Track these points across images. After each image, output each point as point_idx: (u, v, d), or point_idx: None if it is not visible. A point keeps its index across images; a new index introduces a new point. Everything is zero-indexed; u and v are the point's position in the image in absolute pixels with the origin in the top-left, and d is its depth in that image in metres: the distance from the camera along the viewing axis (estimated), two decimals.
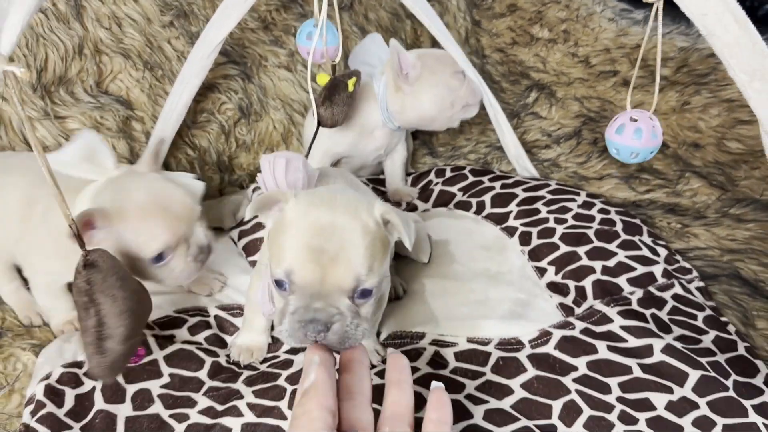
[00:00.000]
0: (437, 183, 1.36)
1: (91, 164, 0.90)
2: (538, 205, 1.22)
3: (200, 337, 0.98)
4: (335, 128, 1.18)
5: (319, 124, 1.14)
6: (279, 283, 0.70)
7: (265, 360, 0.96)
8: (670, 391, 0.85)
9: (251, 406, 0.85)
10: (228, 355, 0.96)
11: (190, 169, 1.32)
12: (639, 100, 1.42)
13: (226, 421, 0.83)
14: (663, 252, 1.13)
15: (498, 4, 1.70)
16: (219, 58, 1.32)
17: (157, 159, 0.94)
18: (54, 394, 0.83)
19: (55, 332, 0.98)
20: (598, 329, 0.96)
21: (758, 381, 0.89)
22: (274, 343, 0.99)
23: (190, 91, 1.18)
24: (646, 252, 1.11)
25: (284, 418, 0.83)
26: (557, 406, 0.84)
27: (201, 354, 0.92)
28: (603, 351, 0.92)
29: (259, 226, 1.17)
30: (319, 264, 0.67)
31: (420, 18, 1.20)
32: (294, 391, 0.86)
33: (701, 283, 1.10)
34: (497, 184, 1.30)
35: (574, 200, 1.23)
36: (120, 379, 0.87)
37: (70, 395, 0.84)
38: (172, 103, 1.18)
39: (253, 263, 1.12)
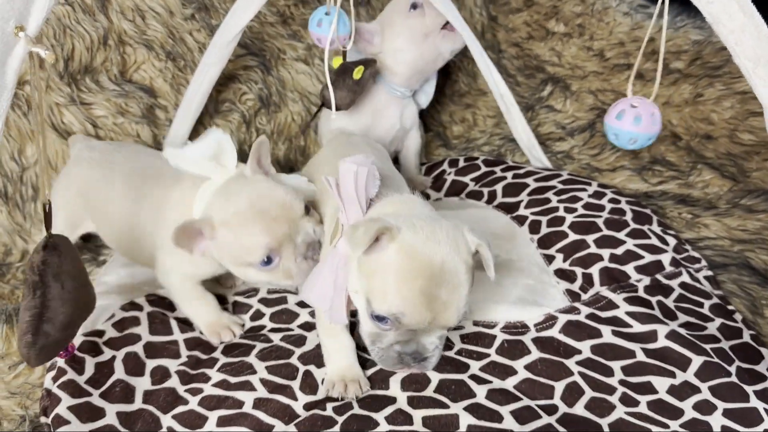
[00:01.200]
0: (450, 173, 1.38)
1: (215, 163, 0.92)
2: (549, 194, 1.24)
3: None
4: (347, 113, 1.20)
5: (324, 105, 1.17)
6: (380, 318, 0.73)
7: (278, 330, 0.98)
8: (672, 375, 0.87)
9: (264, 382, 0.88)
10: (244, 335, 0.98)
11: None
12: (650, 92, 1.42)
13: (239, 395, 0.86)
14: (672, 241, 1.14)
15: (515, 0, 1.72)
16: (238, 50, 1.36)
17: (261, 161, 0.93)
18: (75, 362, 0.87)
19: (210, 339, 0.96)
20: (604, 314, 0.97)
21: (762, 368, 0.90)
22: (287, 315, 1.01)
23: (210, 78, 1.21)
24: (654, 241, 1.12)
25: (295, 398, 0.85)
26: (560, 387, 0.85)
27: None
28: (607, 335, 0.93)
29: None
30: (430, 309, 0.72)
31: (437, 6, 1.22)
32: (306, 373, 0.89)
33: (709, 272, 1.10)
34: (509, 174, 1.32)
35: (585, 190, 1.24)
36: (141, 353, 0.91)
37: (90, 363, 0.88)
38: (193, 89, 1.23)
39: None
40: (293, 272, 0.87)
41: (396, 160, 1.44)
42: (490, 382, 0.86)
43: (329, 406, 0.84)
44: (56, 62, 1.14)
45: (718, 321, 0.98)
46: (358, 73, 1.16)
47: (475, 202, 1.29)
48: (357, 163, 0.77)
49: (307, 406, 0.85)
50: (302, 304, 1.03)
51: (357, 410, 0.83)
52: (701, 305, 1.01)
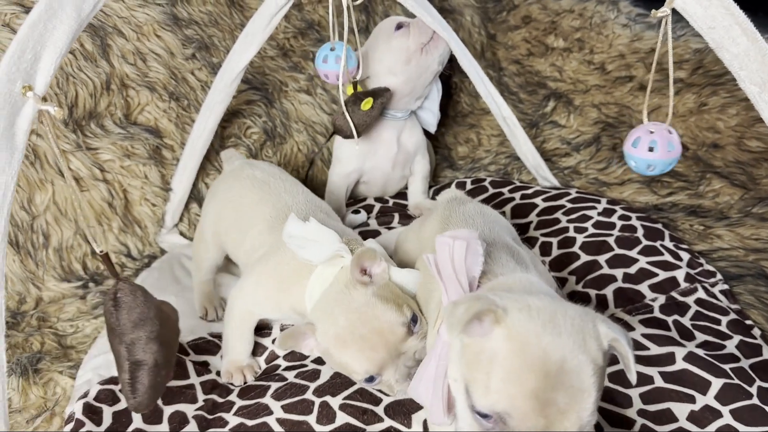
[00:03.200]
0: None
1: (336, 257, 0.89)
2: (558, 214, 1.23)
3: None
4: (345, 141, 1.20)
5: (336, 132, 1.17)
6: (482, 415, 0.61)
7: (292, 368, 0.98)
8: (692, 400, 0.85)
9: (281, 422, 0.87)
10: (259, 378, 0.98)
11: None
12: (656, 104, 1.42)
13: None
14: (685, 256, 1.13)
15: (512, 17, 1.72)
16: (241, 86, 1.37)
17: (367, 270, 0.87)
18: (92, 413, 0.87)
19: (222, 373, 0.98)
20: None
21: None
22: (301, 353, 0.99)
23: (215, 117, 1.22)
24: (668, 257, 1.11)
25: (313, 431, 0.85)
26: None
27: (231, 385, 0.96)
28: None
29: None
30: (544, 416, 0.58)
31: (435, 29, 1.21)
32: (322, 404, 0.89)
33: (725, 286, 1.09)
34: (517, 195, 1.32)
35: (594, 208, 1.24)
36: (159, 399, 0.91)
37: (107, 413, 0.88)
38: (198, 129, 1.23)
39: None
40: (394, 389, 0.85)
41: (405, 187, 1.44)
42: None
43: None
44: (62, 111, 1.15)
45: (737, 338, 0.97)
46: (366, 105, 1.17)
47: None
48: (453, 236, 0.70)
49: None
50: None
51: None
52: (719, 322, 1.00)
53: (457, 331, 0.61)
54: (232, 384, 0.96)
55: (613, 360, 0.91)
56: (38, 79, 0.68)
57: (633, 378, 0.64)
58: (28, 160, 1.13)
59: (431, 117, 1.37)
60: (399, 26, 1.24)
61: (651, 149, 0.83)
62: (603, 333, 0.62)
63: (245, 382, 0.97)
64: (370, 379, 0.84)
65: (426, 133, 1.41)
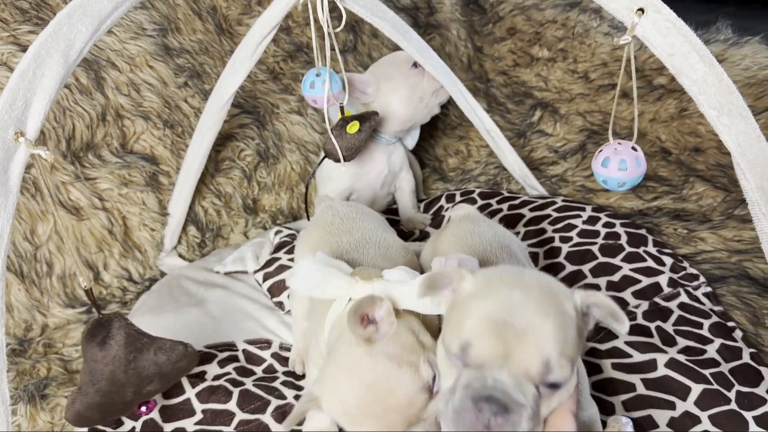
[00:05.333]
0: (448, 208, 1.41)
1: (326, 287, 0.82)
2: (544, 224, 1.26)
3: (229, 368, 1.04)
4: (337, 168, 1.24)
5: (326, 156, 1.21)
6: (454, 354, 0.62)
7: (291, 385, 1.02)
8: (672, 407, 0.88)
9: None
10: (257, 383, 1.01)
11: (217, 218, 1.41)
12: (639, 110, 1.45)
13: None
14: (668, 261, 1.16)
15: (498, 29, 1.76)
16: (233, 110, 1.41)
17: (371, 322, 0.74)
18: None
19: (290, 360, 1.08)
20: (603, 347, 0.99)
21: (761, 390, 0.91)
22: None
23: (208, 141, 1.26)
24: (651, 263, 1.14)
25: None
26: None
27: (229, 386, 0.99)
28: (608, 369, 0.95)
29: (283, 268, 1.24)
30: (502, 339, 0.58)
31: (414, 57, 1.26)
32: None
33: (708, 288, 1.12)
34: (505, 206, 1.35)
35: (579, 216, 1.27)
36: (158, 418, 0.94)
37: None
38: (192, 154, 1.27)
39: (278, 303, 1.20)
40: None
41: (393, 202, 1.48)
42: None
43: None
44: (58, 143, 1.20)
45: (718, 342, 1.00)
46: (352, 128, 1.20)
47: None
48: (448, 257, 0.73)
49: None
50: None
51: None
52: (701, 326, 1.03)
53: (421, 293, 0.65)
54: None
55: (596, 369, 0.95)
56: (29, 124, 0.71)
57: (624, 326, 0.61)
58: (29, 192, 1.17)
59: (411, 140, 1.45)
60: (415, 64, 1.30)
61: (621, 167, 0.86)
62: (578, 294, 0.63)
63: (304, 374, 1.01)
64: None
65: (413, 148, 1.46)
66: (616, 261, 1.14)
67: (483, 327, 0.59)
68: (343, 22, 1.05)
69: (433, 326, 0.79)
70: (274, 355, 1.09)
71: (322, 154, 1.29)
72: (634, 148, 0.84)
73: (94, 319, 0.82)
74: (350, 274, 0.82)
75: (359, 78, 1.28)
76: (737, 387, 0.91)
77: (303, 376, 1.04)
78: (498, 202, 1.37)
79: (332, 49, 1.05)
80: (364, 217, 1.04)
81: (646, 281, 1.10)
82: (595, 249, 1.17)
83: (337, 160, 1.20)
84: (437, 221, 1.40)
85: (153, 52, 1.32)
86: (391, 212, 1.47)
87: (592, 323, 0.65)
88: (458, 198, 1.43)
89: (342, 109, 1.23)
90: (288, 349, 1.11)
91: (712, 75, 0.76)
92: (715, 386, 0.90)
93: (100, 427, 0.93)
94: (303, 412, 0.77)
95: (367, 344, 0.71)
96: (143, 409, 0.89)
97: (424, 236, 1.37)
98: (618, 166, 0.87)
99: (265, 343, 1.11)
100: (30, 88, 0.71)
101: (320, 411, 0.75)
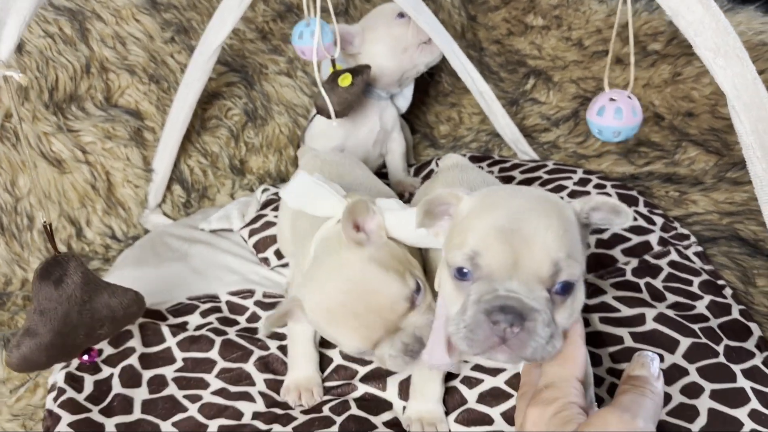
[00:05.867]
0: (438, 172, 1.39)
1: (317, 202, 0.82)
2: (535, 186, 1.25)
3: (211, 317, 1.03)
4: (328, 124, 1.22)
5: (319, 113, 1.18)
6: (460, 272, 0.60)
7: (278, 336, 1.00)
8: (660, 359, 0.86)
9: (262, 394, 0.90)
10: (240, 333, 0.99)
11: (203, 178, 1.39)
12: (629, 76, 1.44)
13: (239, 405, 0.88)
14: (659, 220, 1.15)
15: None
16: (220, 68, 1.39)
17: (360, 226, 0.76)
18: (74, 381, 0.89)
19: (286, 395, 0.90)
20: (591, 302, 0.98)
21: (749, 345, 0.91)
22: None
23: (194, 94, 1.23)
24: (641, 222, 1.13)
25: (292, 407, 0.88)
26: None
27: (211, 335, 0.97)
28: (595, 323, 0.94)
29: (269, 225, 1.22)
30: (510, 245, 0.57)
31: (409, 13, 1.24)
32: None
33: (699, 248, 1.11)
34: (495, 169, 1.33)
35: (570, 178, 1.25)
36: (137, 364, 0.92)
37: (89, 381, 0.90)
38: (177, 106, 1.25)
39: (263, 259, 1.18)
40: (387, 363, 0.74)
41: (383, 166, 1.46)
42: (482, 381, 0.87)
43: (326, 408, 0.87)
44: (41, 93, 1.17)
45: (707, 298, 0.99)
46: (343, 81, 1.18)
47: None
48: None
49: (305, 411, 0.87)
50: None
51: (355, 411, 0.86)
52: (690, 283, 1.02)
53: (419, 223, 0.65)
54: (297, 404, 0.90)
55: (584, 324, 0.93)
56: (2, 46, 0.69)
57: (628, 218, 0.62)
58: (9, 142, 1.15)
59: (403, 102, 1.42)
60: (401, 14, 1.28)
61: (616, 116, 0.84)
62: (577, 201, 0.63)
63: (301, 404, 0.89)
64: (362, 353, 0.75)
65: (404, 114, 1.44)
66: None
67: (489, 236, 0.58)
68: None
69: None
70: (257, 303, 1.07)
71: (313, 111, 1.27)
72: (629, 97, 0.83)
73: (50, 257, 0.79)
74: (344, 197, 0.81)
75: (345, 28, 1.26)
76: (726, 341, 0.90)
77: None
78: (489, 165, 1.35)
79: (323, 7, 1.03)
80: (353, 164, 1.03)
81: (636, 239, 1.09)
82: None
83: (329, 117, 1.18)
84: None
85: (140, 5, 1.30)
86: (380, 176, 1.45)
87: (588, 236, 0.66)
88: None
89: (333, 62, 1.21)
90: (272, 296, 1.09)
91: (709, 16, 0.75)
92: (704, 340, 0.89)
93: (77, 372, 0.91)
94: (284, 313, 0.76)
95: (356, 247, 0.73)
96: (85, 357, 0.86)
97: (412, 199, 1.36)
98: (613, 114, 0.85)
99: (248, 293, 1.09)
100: (4, 7, 0.69)
101: (301, 313, 0.76)
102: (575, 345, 0.62)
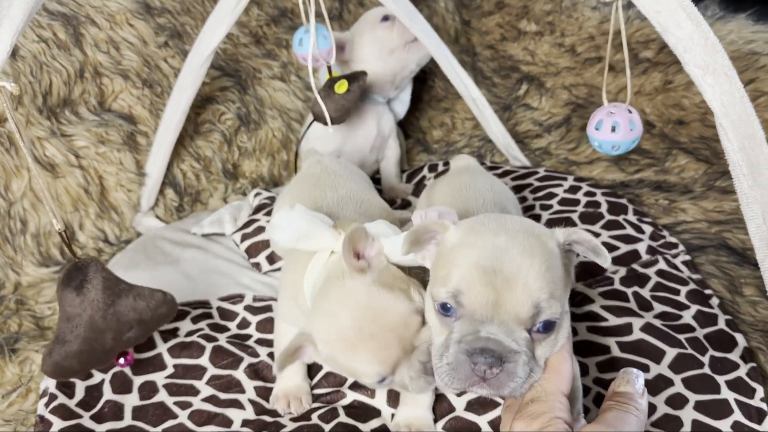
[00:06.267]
0: (430, 178, 1.40)
1: (310, 239, 0.81)
2: (525, 193, 1.26)
3: (202, 324, 1.03)
4: (325, 129, 1.22)
5: (316, 119, 1.19)
6: (444, 307, 0.62)
7: (264, 342, 1.00)
8: (646, 369, 0.88)
9: (252, 402, 0.91)
10: (230, 340, 1.00)
11: (196, 182, 1.39)
12: (624, 83, 1.44)
13: (229, 412, 0.89)
14: (648, 229, 1.16)
15: (486, 3, 1.75)
16: (214, 72, 1.39)
17: (361, 253, 0.76)
18: (65, 387, 0.90)
19: (275, 404, 0.90)
20: (579, 311, 0.99)
21: (734, 355, 0.91)
22: (272, 324, 1.01)
23: (186, 99, 1.24)
24: (630, 230, 1.14)
25: (280, 414, 0.89)
26: None
27: (201, 341, 0.98)
28: (583, 332, 0.95)
29: (262, 230, 1.23)
30: (492, 286, 0.59)
31: (402, 20, 1.25)
32: None
33: (687, 257, 1.12)
34: None
35: (560, 185, 1.26)
36: (128, 371, 0.93)
37: (80, 387, 0.91)
38: (170, 111, 1.26)
39: (255, 264, 1.18)
40: (409, 387, 0.74)
41: (377, 172, 1.47)
42: None
43: (314, 415, 0.87)
44: (34, 98, 1.17)
45: (694, 308, 1.00)
46: (340, 87, 1.18)
47: None
48: (428, 210, 0.73)
49: (294, 418, 0.88)
50: None
51: (343, 418, 0.87)
52: (678, 292, 1.03)
53: (405, 250, 0.65)
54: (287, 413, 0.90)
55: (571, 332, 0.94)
56: None
57: (606, 261, 0.63)
58: (2, 147, 1.15)
59: (401, 107, 1.43)
60: (385, 18, 1.29)
61: (614, 130, 0.84)
62: (559, 231, 0.64)
63: (290, 412, 0.89)
64: (381, 380, 0.74)
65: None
66: (596, 228, 1.14)
67: (472, 275, 0.60)
68: None
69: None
70: (247, 308, 1.08)
71: (310, 117, 1.28)
72: (629, 111, 0.83)
73: (71, 263, 0.80)
74: (332, 226, 0.82)
75: (336, 35, 1.26)
76: (711, 352, 0.91)
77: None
78: None
79: (319, 13, 1.04)
80: (351, 175, 1.04)
81: (624, 248, 1.10)
82: (574, 216, 1.17)
83: (326, 123, 1.18)
84: (419, 190, 1.39)
85: (134, 10, 1.30)
86: (373, 181, 1.45)
87: (575, 260, 0.67)
88: (441, 168, 1.42)
89: (330, 69, 1.21)
90: (262, 300, 1.09)
91: (698, 33, 0.75)
92: (689, 351, 0.90)
93: (70, 380, 0.92)
94: (294, 349, 0.76)
95: (359, 274, 0.73)
96: (121, 360, 0.87)
97: (405, 205, 1.37)
98: (611, 128, 0.86)
99: (238, 297, 1.10)
100: None
101: (309, 347, 0.76)
102: (563, 360, 0.64)
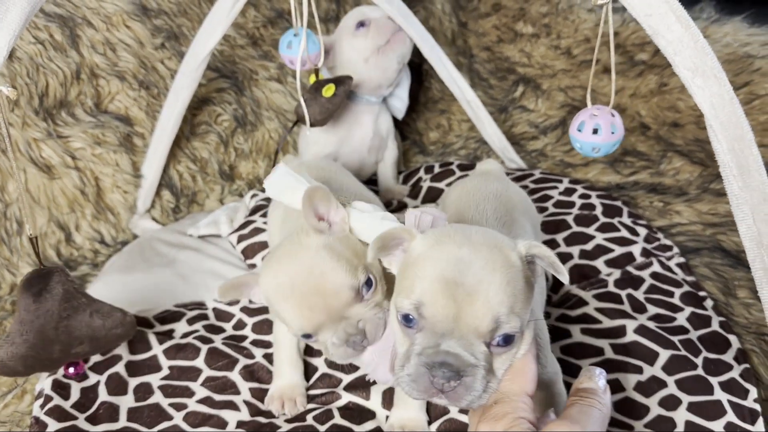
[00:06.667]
0: (426, 179, 1.40)
1: (289, 193, 0.85)
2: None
3: (198, 325, 1.03)
4: (321, 132, 1.22)
5: (299, 121, 1.19)
6: (406, 318, 0.63)
7: (260, 343, 1.01)
8: (639, 371, 0.88)
9: (247, 403, 0.91)
10: (226, 342, 1.00)
11: (192, 183, 1.40)
12: (619, 85, 1.45)
13: (224, 414, 0.89)
14: (643, 231, 1.16)
15: (483, 5, 1.75)
16: (210, 74, 1.39)
17: (322, 215, 0.80)
18: (61, 388, 0.90)
19: (270, 404, 0.91)
20: (573, 313, 0.99)
21: (728, 357, 0.92)
22: (268, 326, 1.02)
23: (183, 101, 1.24)
24: (624, 233, 1.14)
25: (274, 415, 0.89)
26: None
27: (197, 343, 0.98)
28: (577, 335, 0.96)
29: (258, 231, 1.23)
30: (453, 299, 0.60)
31: (397, 20, 1.25)
32: None
33: (681, 259, 1.12)
34: None
35: (555, 188, 1.27)
36: (123, 372, 0.93)
37: (75, 389, 0.91)
38: (166, 114, 1.26)
39: (251, 266, 1.19)
40: (330, 351, 0.78)
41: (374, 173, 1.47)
42: None
43: (309, 416, 0.88)
44: (31, 99, 1.18)
45: (688, 310, 1.00)
46: (327, 91, 1.18)
47: None
48: (423, 210, 0.73)
49: (288, 419, 0.89)
50: None
51: (338, 420, 0.87)
52: (672, 295, 1.03)
53: (372, 256, 0.66)
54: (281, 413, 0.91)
55: (565, 334, 0.94)
56: None
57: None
58: None
59: (400, 104, 1.41)
60: (360, 24, 1.27)
61: (595, 131, 0.85)
62: (520, 243, 0.65)
63: (284, 413, 0.90)
64: (306, 336, 0.78)
65: (394, 120, 1.44)
66: (590, 230, 1.14)
67: (434, 287, 0.61)
68: None
69: None
70: (244, 309, 1.08)
71: (294, 120, 1.28)
72: (612, 114, 0.84)
73: (34, 270, 0.80)
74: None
75: (324, 40, 1.26)
76: (704, 353, 0.92)
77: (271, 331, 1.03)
78: None
79: (311, 15, 1.04)
80: (340, 172, 1.05)
81: (619, 250, 1.11)
82: (569, 219, 1.17)
83: (312, 124, 1.18)
84: (414, 192, 1.40)
85: (130, 11, 1.30)
86: (370, 182, 1.46)
87: (540, 270, 0.67)
88: (437, 169, 1.42)
89: (317, 72, 1.21)
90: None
91: (688, 36, 0.76)
92: (683, 352, 0.91)
93: (64, 380, 0.92)
94: (240, 284, 0.81)
95: (315, 234, 0.77)
96: (71, 370, 0.87)
97: (401, 207, 1.37)
98: (592, 130, 0.86)
99: (235, 300, 1.10)
100: None
101: (256, 287, 0.81)
102: (526, 360, 0.64)
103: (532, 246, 0.65)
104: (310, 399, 0.92)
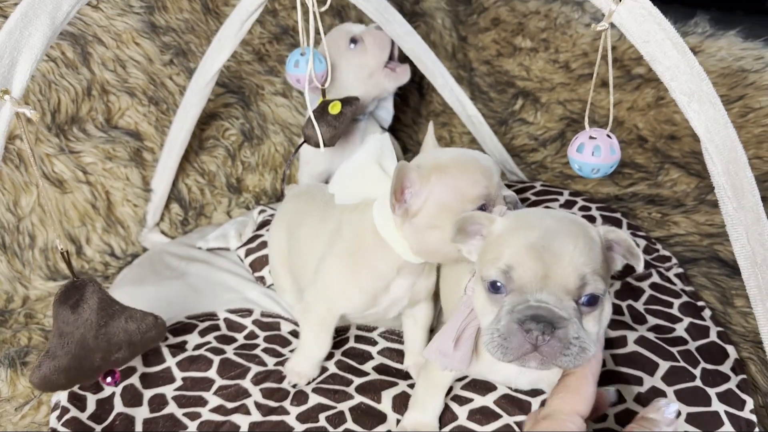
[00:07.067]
0: None
1: (379, 169, 0.87)
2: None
3: (209, 337, 1.06)
4: (313, 150, 1.23)
5: (306, 142, 1.21)
6: (494, 286, 0.66)
7: (272, 351, 1.04)
8: (640, 382, 0.91)
9: (258, 405, 0.93)
10: (238, 351, 1.03)
11: (200, 196, 1.42)
12: (617, 99, 1.49)
13: (235, 418, 0.91)
14: (642, 242, 1.19)
15: (482, 19, 1.78)
16: (218, 89, 1.42)
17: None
18: (77, 400, 0.92)
19: (288, 369, 0.98)
20: None
21: (725, 368, 0.94)
22: (280, 340, 1.05)
23: (191, 118, 1.27)
24: None
25: (287, 413, 0.91)
26: (535, 403, 0.89)
27: (209, 354, 1.00)
28: None
29: (265, 245, 1.25)
30: (541, 260, 0.63)
31: (396, 40, 1.27)
32: (297, 392, 0.95)
33: (680, 270, 1.15)
34: None
35: (556, 200, 1.29)
36: (138, 384, 0.96)
37: (91, 400, 0.93)
38: (176, 130, 1.29)
39: (259, 278, 1.21)
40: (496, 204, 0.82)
41: None
42: (472, 400, 0.90)
43: (322, 416, 0.90)
44: (43, 116, 1.20)
45: (687, 321, 1.03)
46: (333, 108, 1.20)
47: None
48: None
49: (301, 418, 0.90)
50: (294, 333, 1.09)
51: (351, 424, 0.89)
52: (671, 305, 1.06)
53: (453, 233, 0.70)
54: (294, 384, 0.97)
55: None
56: (15, 83, 0.72)
57: (640, 264, 0.66)
58: (12, 163, 1.18)
59: (386, 114, 1.43)
60: (353, 41, 1.28)
61: (595, 154, 0.87)
62: (602, 228, 0.68)
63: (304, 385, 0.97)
64: (482, 207, 0.80)
65: (394, 132, 1.47)
66: None
67: (522, 252, 0.64)
68: (328, 2, 1.07)
69: None
70: (256, 322, 1.10)
71: (300, 140, 1.29)
72: (609, 136, 0.86)
73: (68, 282, 0.82)
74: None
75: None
76: (702, 364, 0.94)
77: (285, 344, 1.06)
78: None
79: (317, 32, 1.06)
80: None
81: None
82: None
83: (317, 145, 1.20)
84: None
85: (140, 29, 1.33)
86: None
87: (619, 263, 0.70)
88: None
89: (323, 92, 1.23)
90: (270, 316, 1.12)
91: (684, 62, 0.78)
92: (682, 363, 0.93)
93: (81, 392, 0.94)
94: (404, 179, 0.81)
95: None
96: (108, 379, 0.89)
97: None
98: (592, 152, 0.89)
99: (247, 312, 1.12)
100: (17, 47, 0.72)
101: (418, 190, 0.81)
102: (584, 380, 0.66)
103: (609, 230, 0.68)
104: (321, 393, 0.94)
